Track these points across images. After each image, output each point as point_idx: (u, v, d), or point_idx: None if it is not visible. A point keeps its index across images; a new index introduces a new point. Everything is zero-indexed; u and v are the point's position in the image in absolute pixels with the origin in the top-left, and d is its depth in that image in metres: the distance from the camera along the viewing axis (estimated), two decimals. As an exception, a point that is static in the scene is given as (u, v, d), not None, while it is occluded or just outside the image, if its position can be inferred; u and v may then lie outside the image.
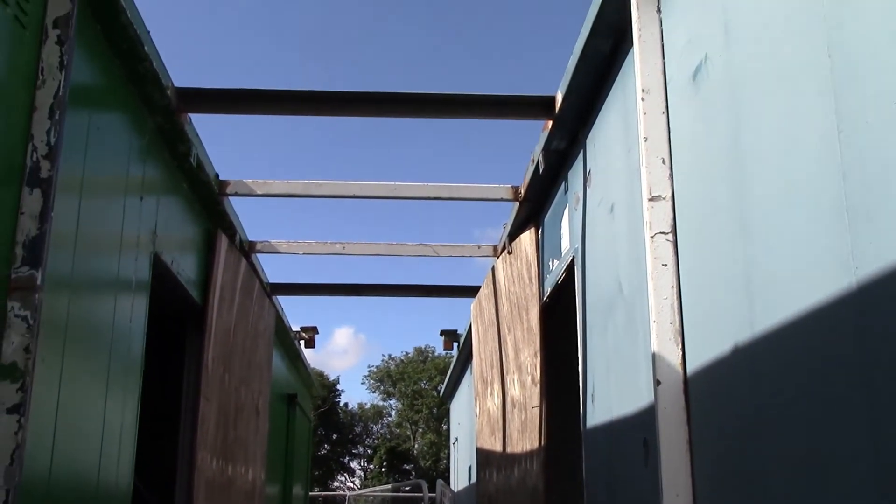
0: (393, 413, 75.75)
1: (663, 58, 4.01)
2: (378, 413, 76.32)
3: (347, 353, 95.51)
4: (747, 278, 3.05)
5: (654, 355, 3.71)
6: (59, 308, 4.08)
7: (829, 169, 2.47)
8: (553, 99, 5.65)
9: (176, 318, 7.19)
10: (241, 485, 8.31)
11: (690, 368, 3.62)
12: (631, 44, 4.29)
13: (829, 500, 2.45)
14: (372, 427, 76.27)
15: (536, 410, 6.76)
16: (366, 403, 76.98)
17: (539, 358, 6.79)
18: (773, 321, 2.83)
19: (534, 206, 7.18)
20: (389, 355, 76.76)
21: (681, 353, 3.68)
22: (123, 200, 5.05)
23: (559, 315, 7.03)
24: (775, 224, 2.84)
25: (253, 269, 8.68)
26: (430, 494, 16.17)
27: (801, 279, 2.64)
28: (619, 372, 4.70)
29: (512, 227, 7.69)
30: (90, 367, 4.55)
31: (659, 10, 4.06)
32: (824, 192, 2.49)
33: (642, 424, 4.22)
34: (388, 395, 75.67)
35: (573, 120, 5.66)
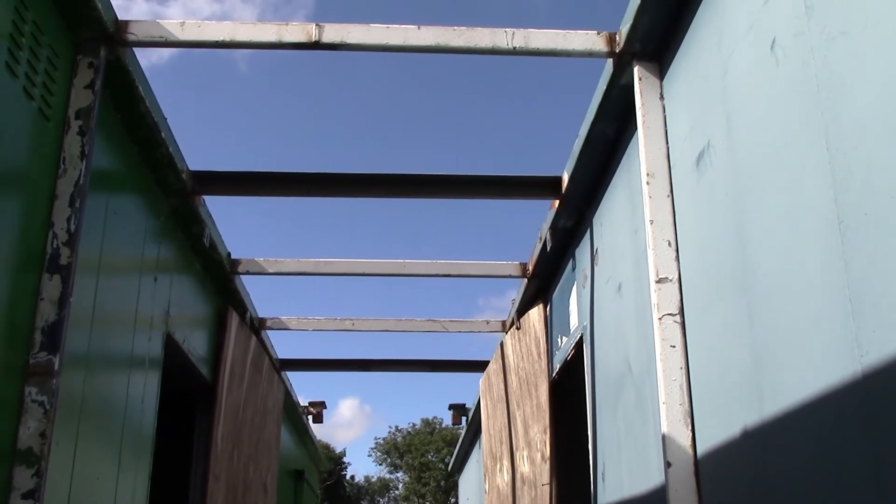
0: (400, 486, 74.73)
1: (667, 143, 4.12)
2: (385, 486, 75.31)
3: (352, 424, 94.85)
4: (755, 361, 3.09)
5: (664, 437, 3.73)
6: (75, 388, 4.12)
7: (831, 257, 2.54)
8: (559, 179, 5.76)
9: (185, 395, 7.22)
10: (249, 564, 8.23)
11: (701, 450, 3.64)
12: (635, 127, 4.40)
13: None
14: (379, 500, 75.19)
15: (546, 488, 6.71)
16: (372, 476, 76.05)
17: (549, 434, 6.77)
18: (781, 405, 2.87)
19: (542, 283, 7.25)
20: (396, 427, 76.13)
21: (691, 434, 3.70)
22: (138, 281, 5.13)
23: (568, 391, 7.04)
24: (780, 309, 2.90)
25: (263, 346, 8.72)
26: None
27: (807, 365, 2.69)
28: (630, 451, 4.70)
29: (520, 303, 7.75)
30: (103, 447, 4.58)
31: (662, 97, 4.18)
32: (827, 279, 2.56)
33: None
34: (395, 468, 74.75)
35: (579, 199, 5.76)
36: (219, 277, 7.01)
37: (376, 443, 75.81)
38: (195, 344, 6.51)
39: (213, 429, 6.96)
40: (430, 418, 74.27)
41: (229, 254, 6.99)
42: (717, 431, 3.47)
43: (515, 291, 7.91)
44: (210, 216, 6.18)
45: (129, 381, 4.98)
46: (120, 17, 4.14)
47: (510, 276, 7.30)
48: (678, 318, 3.85)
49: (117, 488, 4.76)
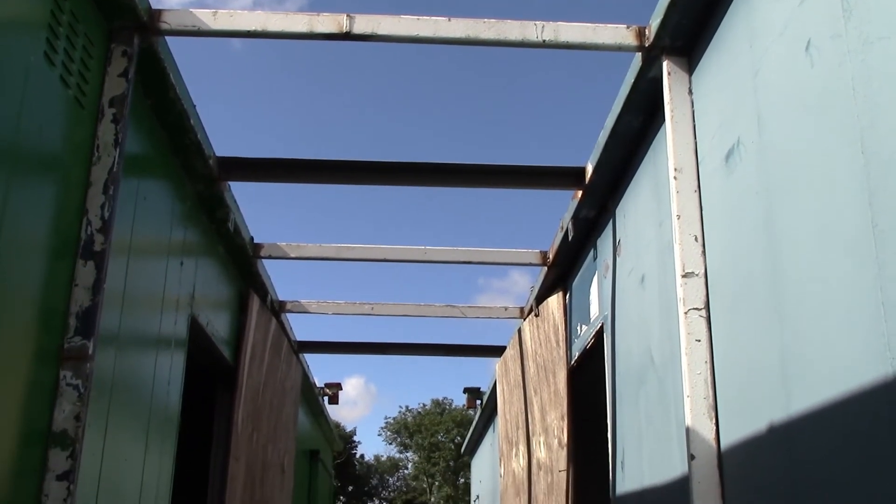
0: (409, 465, 75.17)
1: (695, 138, 4.13)
2: (394, 465, 75.77)
3: (357, 404, 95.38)
4: (782, 359, 3.13)
5: (687, 429, 3.77)
6: (105, 370, 4.19)
7: (864, 260, 2.56)
8: (583, 170, 5.78)
9: (207, 376, 7.30)
10: (267, 543, 8.34)
11: (724, 443, 3.68)
12: (662, 120, 4.42)
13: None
14: (388, 479, 75.65)
15: (563, 474, 6.78)
16: (382, 455, 76.51)
17: (566, 421, 6.83)
18: (809, 403, 2.90)
19: (562, 271, 7.28)
20: (406, 407, 76.49)
21: (715, 427, 3.74)
22: (166, 264, 5.19)
23: (587, 379, 7.08)
24: (810, 309, 2.92)
25: (282, 329, 8.79)
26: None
27: (837, 365, 2.72)
28: (651, 442, 4.75)
29: (539, 291, 7.78)
30: (131, 428, 4.65)
31: (691, 93, 4.20)
32: (860, 282, 2.58)
33: (674, 496, 4.26)
34: (405, 448, 75.17)
35: (603, 190, 5.78)
36: (241, 261, 7.07)
37: (386, 422, 76.21)
38: (218, 326, 6.58)
39: (233, 411, 7.04)
40: (441, 399, 74.60)
41: (252, 238, 7.05)
42: (741, 426, 3.51)
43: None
44: (234, 201, 6.24)
45: (157, 362, 5.05)
46: (153, 6, 4.18)
47: (530, 264, 7.33)
48: (704, 312, 3.88)
49: (144, 468, 4.84)
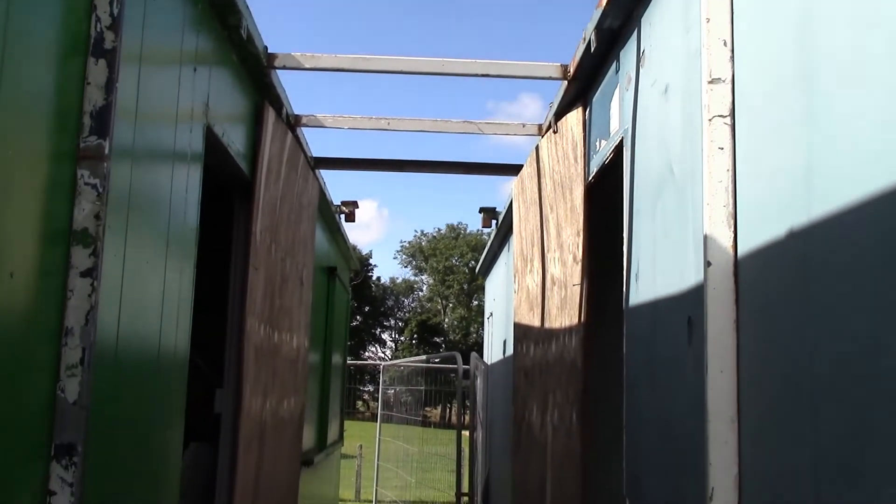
0: (424, 288, 77.11)
1: (731, -65, 3.91)
2: (409, 288, 77.74)
3: (370, 227, 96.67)
4: (808, 164, 3.07)
5: (705, 237, 3.77)
6: (122, 177, 4.18)
7: (903, 56, 2.46)
8: (609, -25, 5.53)
9: (225, 190, 7.32)
10: (287, 352, 8.62)
11: (742, 250, 3.69)
12: (695, -81, 4.17)
13: (883, 385, 2.55)
14: (403, 301, 77.82)
15: (577, 288, 6.88)
16: (397, 278, 78.33)
17: (582, 237, 6.87)
18: (833, 206, 2.87)
19: (582, 85, 7.12)
20: (421, 231, 77.66)
21: (733, 235, 3.74)
22: (178, 72, 5.09)
23: (605, 195, 7.07)
24: (843, 112, 2.84)
25: (298, 143, 8.74)
26: (464, 366, 16.62)
27: (867, 168, 2.66)
28: (666, 253, 4.77)
29: (559, 107, 7.64)
30: (151, 235, 4.71)
31: None
32: (897, 79, 2.49)
33: (687, 304, 4.32)
34: (420, 271, 76.86)
35: (629, -3, 5.56)
36: (255, 71, 6.94)
37: (401, 246, 77.57)
38: (233, 138, 6.53)
39: (251, 223, 7.10)
40: (455, 224, 75.52)
41: (266, 47, 6.88)
42: (759, 233, 3.50)
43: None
44: (247, 6, 6.04)
45: (173, 172, 5.04)
46: None
47: (550, 78, 7.16)
48: (729, 119, 3.79)
49: (166, 274, 4.93)
